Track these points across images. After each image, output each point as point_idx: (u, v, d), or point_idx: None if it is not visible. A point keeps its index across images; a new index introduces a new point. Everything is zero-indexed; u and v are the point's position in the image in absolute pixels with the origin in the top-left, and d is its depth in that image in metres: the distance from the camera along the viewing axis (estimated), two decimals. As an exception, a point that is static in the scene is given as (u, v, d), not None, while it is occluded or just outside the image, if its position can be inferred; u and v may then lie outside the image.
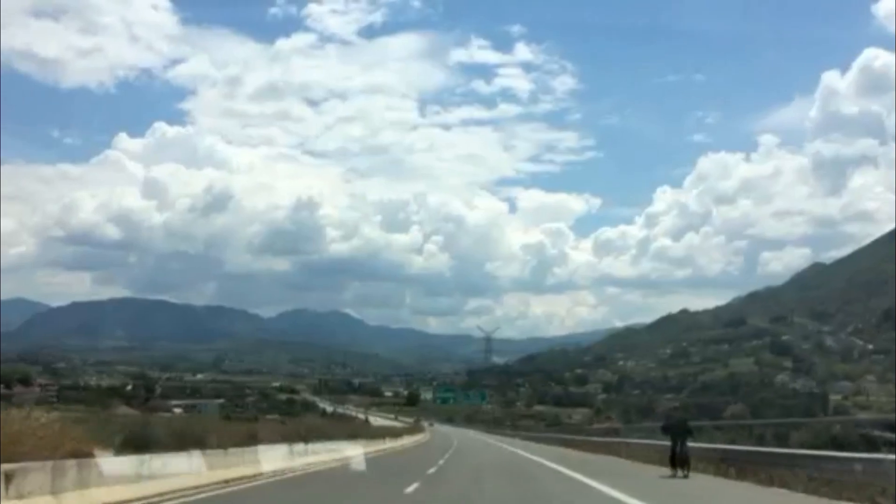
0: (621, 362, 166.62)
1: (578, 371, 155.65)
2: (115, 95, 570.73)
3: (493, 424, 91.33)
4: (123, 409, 57.64)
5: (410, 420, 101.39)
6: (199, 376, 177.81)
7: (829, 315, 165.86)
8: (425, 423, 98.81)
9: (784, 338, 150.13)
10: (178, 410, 75.38)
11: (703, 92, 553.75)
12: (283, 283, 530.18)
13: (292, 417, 61.58)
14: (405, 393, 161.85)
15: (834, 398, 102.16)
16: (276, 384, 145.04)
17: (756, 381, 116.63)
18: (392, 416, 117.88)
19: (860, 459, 14.23)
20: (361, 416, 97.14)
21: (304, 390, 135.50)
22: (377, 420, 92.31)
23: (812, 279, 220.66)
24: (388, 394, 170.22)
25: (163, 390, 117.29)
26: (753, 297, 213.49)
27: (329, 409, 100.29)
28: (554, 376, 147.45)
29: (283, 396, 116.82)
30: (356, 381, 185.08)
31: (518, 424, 69.97)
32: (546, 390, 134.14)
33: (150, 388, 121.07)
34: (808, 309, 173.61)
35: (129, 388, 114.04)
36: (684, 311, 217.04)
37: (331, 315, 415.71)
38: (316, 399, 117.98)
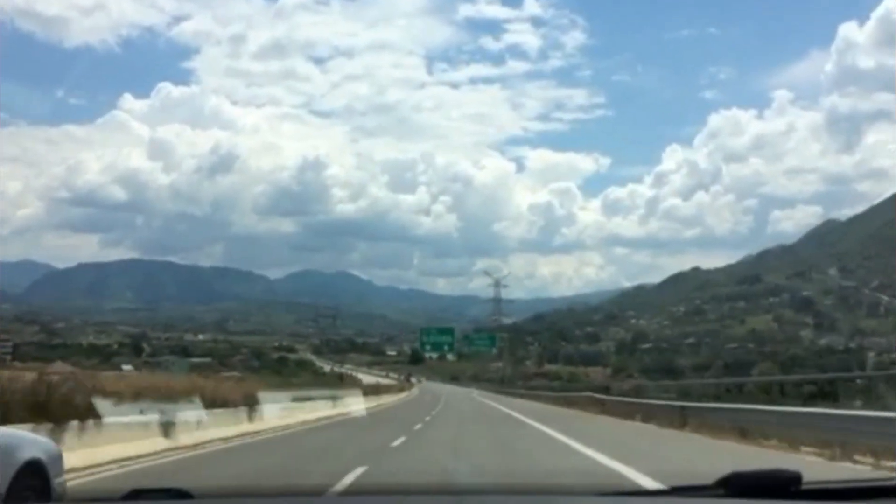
0: (633, 320, 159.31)
1: (589, 329, 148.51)
2: (119, 54, 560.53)
3: (501, 384, 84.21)
4: (60, 366, 50.51)
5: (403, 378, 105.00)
6: (200, 336, 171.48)
7: (849, 271, 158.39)
8: (414, 380, 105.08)
9: (805, 293, 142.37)
10: (127, 367, 67.82)
11: (717, 47, 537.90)
12: (290, 244, 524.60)
13: (279, 376, 56.09)
14: (409, 352, 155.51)
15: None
16: (276, 344, 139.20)
17: (780, 337, 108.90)
18: (383, 374, 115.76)
19: None
20: (358, 374, 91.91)
21: (305, 350, 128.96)
22: (367, 378, 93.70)
23: (827, 236, 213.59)
24: (392, 353, 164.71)
25: (153, 349, 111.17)
26: (767, 255, 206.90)
27: (327, 368, 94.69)
28: (565, 335, 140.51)
29: (276, 356, 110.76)
30: (360, 340, 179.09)
31: (531, 385, 62.13)
32: (556, 349, 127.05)
33: (139, 348, 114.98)
34: (827, 265, 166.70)
35: (115, 347, 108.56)
36: (696, 269, 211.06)
37: (338, 276, 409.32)
38: (314, 358, 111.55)
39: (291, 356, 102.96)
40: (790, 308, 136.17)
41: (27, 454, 6.73)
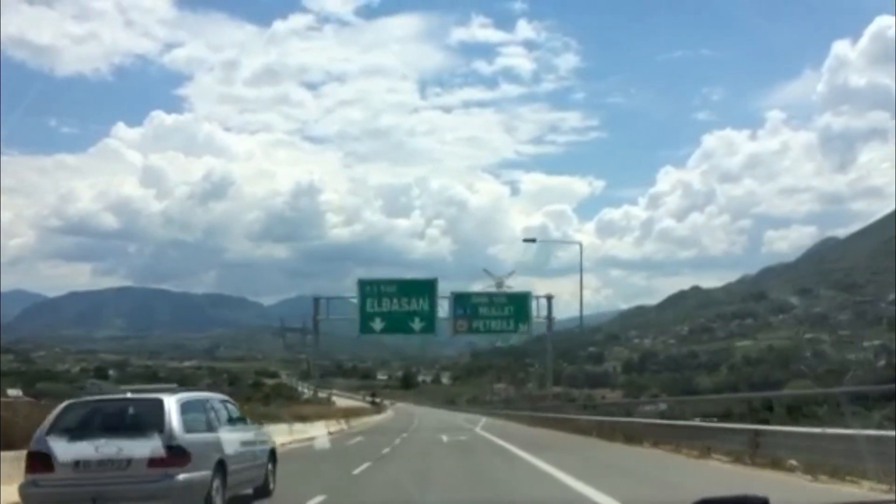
0: (636, 340, 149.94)
1: (592, 350, 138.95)
2: (112, 83, 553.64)
3: (502, 405, 72.01)
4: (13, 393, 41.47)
5: (379, 401, 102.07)
6: (186, 363, 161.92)
7: (858, 286, 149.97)
8: (387, 404, 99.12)
9: (816, 310, 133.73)
10: (14, 392, 57.22)
11: (710, 67, 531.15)
12: (284, 270, 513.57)
13: (247, 402, 46.28)
14: (400, 376, 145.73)
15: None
16: (257, 369, 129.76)
17: (800, 353, 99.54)
18: (360, 398, 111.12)
19: None
20: (335, 399, 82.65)
21: (291, 375, 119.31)
22: (343, 402, 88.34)
23: (828, 253, 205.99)
24: (383, 377, 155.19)
25: (119, 377, 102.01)
26: (769, 273, 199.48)
27: (308, 392, 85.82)
28: (567, 356, 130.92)
29: (252, 381, 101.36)
30: (351, 364, 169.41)
31: (540, 406, 50.52)
32: (559, 370, 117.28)
33: (104, 374, 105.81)
34: (833, 281, 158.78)
35: (76, 372, 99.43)
36: (696, 288, 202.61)
37: (332, 302, 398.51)
38: (298, 383, 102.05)
39: (270, 381, 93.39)
40: (803, 324, 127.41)
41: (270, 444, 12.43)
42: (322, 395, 60.90)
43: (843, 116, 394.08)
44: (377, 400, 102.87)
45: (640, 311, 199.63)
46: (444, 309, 47.06)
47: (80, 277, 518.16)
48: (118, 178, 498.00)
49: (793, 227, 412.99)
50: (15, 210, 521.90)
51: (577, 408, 45.34)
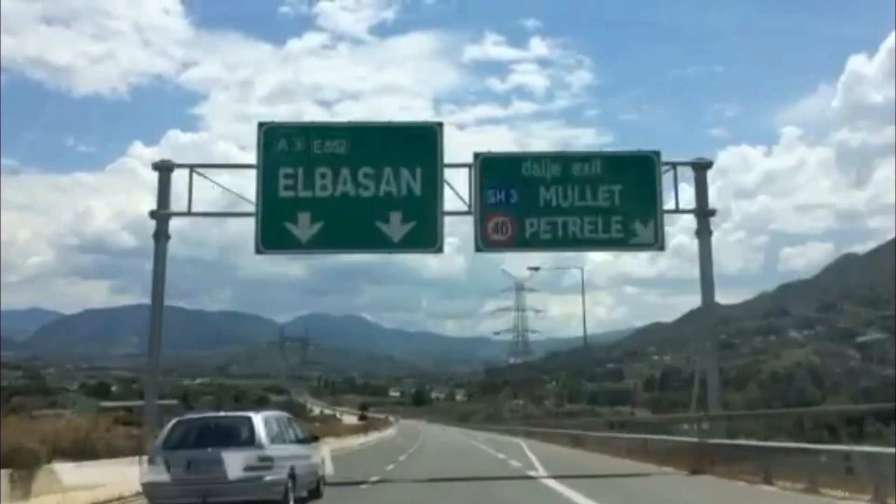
0: (656, 357, 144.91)
1: (611, 366, 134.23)
2: (129, 102, 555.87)
3: (520, 422, 65.92)
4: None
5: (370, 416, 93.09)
6: (198, 380, 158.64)
7: (883, 301, 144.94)
8: (392, 420, 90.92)
9: (840, 325, 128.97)
10: None
11: (723, 84, 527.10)
12: (299, 287, 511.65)
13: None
14: (412, 392, 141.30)
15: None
16: (266, 385, 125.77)
17: (830, 369, 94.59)
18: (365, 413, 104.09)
19: None
20: (343, 416, 78.14)
21: (301, 392, 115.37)
22: (351, 419, 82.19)
23: (849, 269, 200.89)
24: (395, 394, 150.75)
25: (121, 393, 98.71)
26: (788, 289, 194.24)
27: (317, 410, 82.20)
28: (584, 372, 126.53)
29: (259, 397, 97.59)
30: (362, 381, 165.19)
31: (562, 424, 45.13)
32: (577, 387, 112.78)
33: (106, 391, 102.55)
34: (857, 297, 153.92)
35: (75, 389, 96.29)
36: (715, 304, 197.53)
37: (346, 319, 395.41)
38: (309, 400, 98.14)
39: (277, 398, 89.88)
40: (829, 340, 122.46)
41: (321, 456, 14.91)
42: (329, 412, 56.66)
43: (860, 132, 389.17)
44: (368, 414, 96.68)
45: (657, 327, 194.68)
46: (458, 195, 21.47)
47: (97, 295, 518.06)
48: (134, 197, 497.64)
49: (809, 244, 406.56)
50: (33, 228, 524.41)
51: (604, 425, 41.10)
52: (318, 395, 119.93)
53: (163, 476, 11.32)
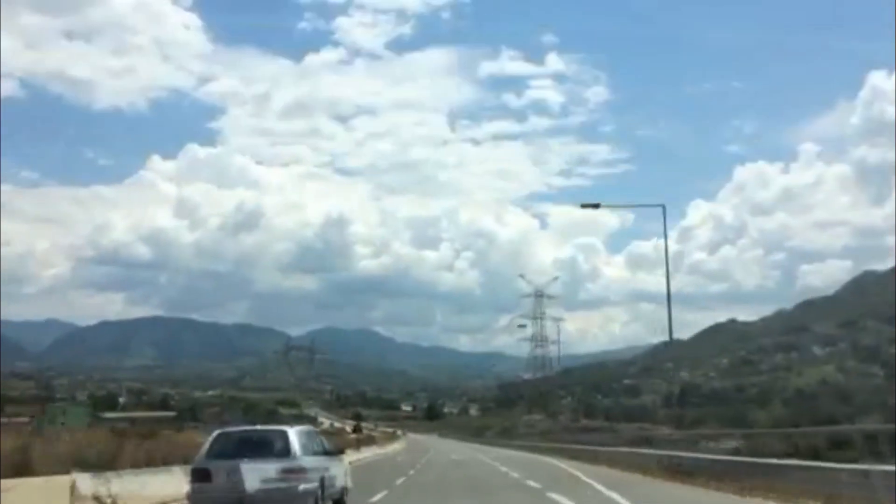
0: (672, 373, 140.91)
1: (627, 382, 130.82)
2: (147, 116, 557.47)
3: (540, 437, 61.23)
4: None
5: (390, 431, 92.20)
6: (210, 392, 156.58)
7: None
8: (400, 434, 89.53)
9: (864, 342, 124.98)
10: None
11: (741, 100, 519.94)
12: (313, 301, 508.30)
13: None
14: (424, 406, 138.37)
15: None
16: (278, 398, 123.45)
17: (855, 387, 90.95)
18: (373, 426, 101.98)
19: None
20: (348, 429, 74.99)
21: (314, 405, 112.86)
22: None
23: (869, 286, 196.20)
24: (407, 408, 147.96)
25: (125, 404, 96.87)
26: (808, 306, 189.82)
27: (326, 423, 79.81)
28: (600, 388, 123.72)
29: (268, 409, 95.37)
30: (375, 395, 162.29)
31: (581, 439, 42.04)
32: (593, 403, 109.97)
33: (113, 403, 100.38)
34: (879, 314, 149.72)
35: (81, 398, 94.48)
36: (732, 321, 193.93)
37: (360, 333, 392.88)
38: (320, 413, 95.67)
39: (287, 411, 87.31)
40: (854, 358, 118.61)
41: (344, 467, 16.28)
42: (339, 425, 53.91)
43: (880, 148, 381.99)
44: (361, 425, 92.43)
45: (674, 344, 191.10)
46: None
47: (113, 307, 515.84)
48: (152, 210, 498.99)
49: (827, 262, 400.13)
50: (51, 240, 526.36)
51: (626, 441, 38.40)
52: (329, 408, 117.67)
53: (205, 483, 12.27)
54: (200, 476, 12.43)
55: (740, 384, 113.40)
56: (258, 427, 15.03)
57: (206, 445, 13.09)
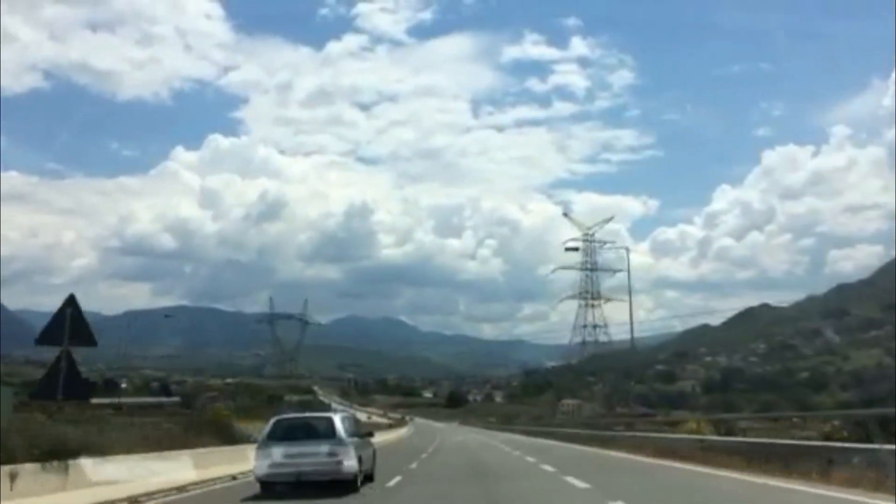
0: (708, 358, 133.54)
1: (660, 368, 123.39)
2: (171, 106, 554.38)
3: (584, 426, 47.55)
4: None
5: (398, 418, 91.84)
6: (228, 380, 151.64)
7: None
8: (408, 419, 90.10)
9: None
10: None
11: (769, 82, 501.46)
12: (336, 290, 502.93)
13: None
14: (447, 393, 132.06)
15: None
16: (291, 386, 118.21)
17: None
18: (380, 412, 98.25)
19: None
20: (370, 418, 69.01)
21: (331, 392, 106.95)
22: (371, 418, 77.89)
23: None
24: (429, 395, 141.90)
25: (136, 388, 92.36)
26: (844, 289, 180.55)
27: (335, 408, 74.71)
28: (632, 374, 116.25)
29: (277, 397, 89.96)
30: (394, 382, 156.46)
31: (634, 426, 34.71)
32: (626, 389, 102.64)
33: (116, 387, 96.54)
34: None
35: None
36: (765, 306, 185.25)
37: (383, 322, 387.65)
38: (335, 399, 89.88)
39: (304, 397, 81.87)
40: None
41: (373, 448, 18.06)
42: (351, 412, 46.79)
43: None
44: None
45: (705, 328, 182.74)
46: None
47: (138, 297, 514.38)
48: (176, 200, 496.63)
49: (858, 247, 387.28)
50: (77, 231, 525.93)
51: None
52: (346, 396, 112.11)
53: (267, 460, 14.25)
54: (264, 455, 14.29)
55: (788, 368, 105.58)
56: (307, 414, 18.04)
57: (267, 429, 15.08)
